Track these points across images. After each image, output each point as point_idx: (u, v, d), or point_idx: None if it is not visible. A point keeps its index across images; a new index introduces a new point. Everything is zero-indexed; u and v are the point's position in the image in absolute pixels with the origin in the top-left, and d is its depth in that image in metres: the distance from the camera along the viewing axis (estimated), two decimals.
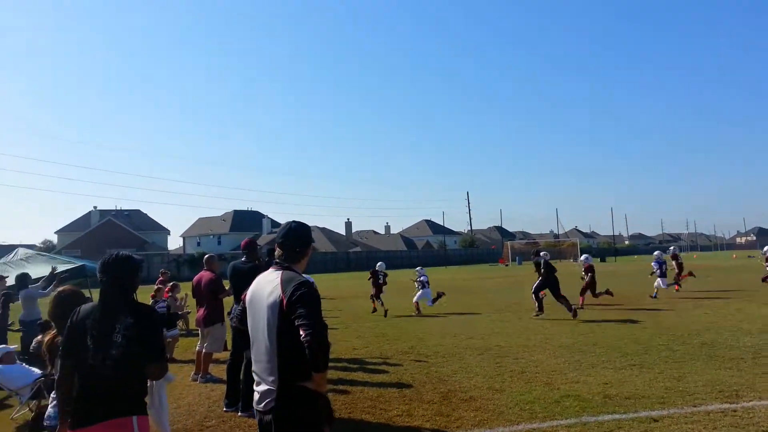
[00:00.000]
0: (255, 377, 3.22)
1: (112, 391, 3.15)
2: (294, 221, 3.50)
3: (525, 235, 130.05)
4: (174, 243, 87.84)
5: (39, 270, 11.63)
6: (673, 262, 20.19)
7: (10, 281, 10.97)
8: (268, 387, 3.09)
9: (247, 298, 3.37)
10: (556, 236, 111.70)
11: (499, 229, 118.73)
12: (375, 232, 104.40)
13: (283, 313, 3.04)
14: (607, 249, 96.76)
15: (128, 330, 3.18)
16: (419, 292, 16.58)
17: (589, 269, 16.75)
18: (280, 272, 3.21)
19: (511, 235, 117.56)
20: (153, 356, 3.26)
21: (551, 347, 9.89)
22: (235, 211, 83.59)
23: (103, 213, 72.03)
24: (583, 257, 18.07)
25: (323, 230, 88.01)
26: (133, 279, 3.43)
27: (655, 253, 19.91)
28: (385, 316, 15.67)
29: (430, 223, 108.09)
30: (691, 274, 20.56)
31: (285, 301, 3.04)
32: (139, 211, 78.54)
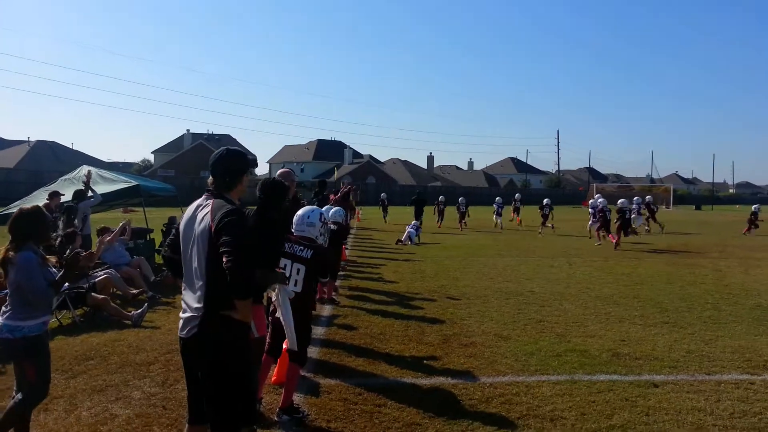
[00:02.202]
0: (183, 304, 3.21)
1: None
2: (227, 148, 3.38)
3: (618, 177, 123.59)
4: (261, 169, 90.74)
5: (100, 187, 12.21)
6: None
7: (67, 198, 11.58)
8: (193, 314, 3.09)
9: (180, 226, 3.30)
10: (653, 180, 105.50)
11: (590, 171, 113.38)
12: (457, 168, 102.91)
13: (212, 241, 3.00)
14: (707, 197, 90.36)
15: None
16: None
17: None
18: (212, 200, 3.15)
19: (603, 177, 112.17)
20: (264, 263, 3.87)
21: (586, 297, 9.34)
22: (319, 140, 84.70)
23: (195, 136, 75.23)
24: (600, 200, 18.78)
25: (405, 163, 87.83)
26: (281, 201, 4.50)
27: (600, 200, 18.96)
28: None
29: (516, 161, 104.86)
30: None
31: (213, 229, 2.99)
32: (229, 136, 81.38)
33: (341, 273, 11.04)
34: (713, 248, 17.54)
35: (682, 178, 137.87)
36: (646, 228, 23.24)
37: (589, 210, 19.62)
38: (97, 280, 8.18)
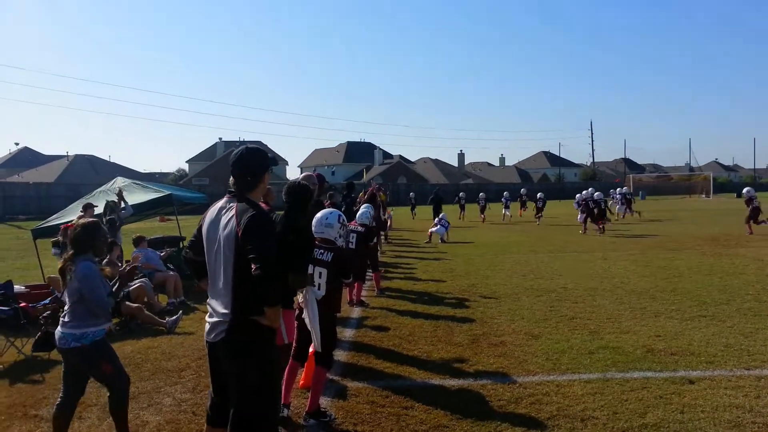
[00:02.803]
0: (209, 308, 3.21)
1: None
2: (247, 147, 3.30)
3: (656, 167, 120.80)
4: (292, 173, 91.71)
5: (134, 198, 12.49)
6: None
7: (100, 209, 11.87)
8: (220, 319, 3.08)
9: (204, 228, 3.28)
10: (692, 169, 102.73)
11: (627, 161, 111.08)
12: (489, 164, 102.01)
13: (239, 246, 2.98)
14: (749, 184, 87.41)
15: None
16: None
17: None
18: (235, 203, 3.11)
19: (639, 168, 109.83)
20: (294, 267, 3.93)
21: (621, 292, 9.13)
22: (349, 143, 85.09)
23: (228, 144, 76.39)
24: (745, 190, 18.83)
25: (435, 162, 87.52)
26: (306, 203, 4.51)
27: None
28: None
29: (548, 155, 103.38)
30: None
31: (240, 234, 2.96)
32: (260, 142, 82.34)
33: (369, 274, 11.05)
34: (755, 237, 16.94)
35: (723, 166, 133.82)
36: (622, 216, 26.55)
37: (575, 204, 22.08)
38: (131, 289, 8.35)
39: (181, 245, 12.79)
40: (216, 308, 3.12)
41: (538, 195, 27.13)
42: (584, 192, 20.92)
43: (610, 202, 25.97)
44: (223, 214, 3.13)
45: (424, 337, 6.81)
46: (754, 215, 17.64)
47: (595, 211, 20.20)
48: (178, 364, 6.06)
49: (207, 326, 3.18)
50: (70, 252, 4.12)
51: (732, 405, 4.48)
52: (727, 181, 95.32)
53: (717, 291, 8.95)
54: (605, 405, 4.57)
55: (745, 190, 18.92)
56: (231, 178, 3.23)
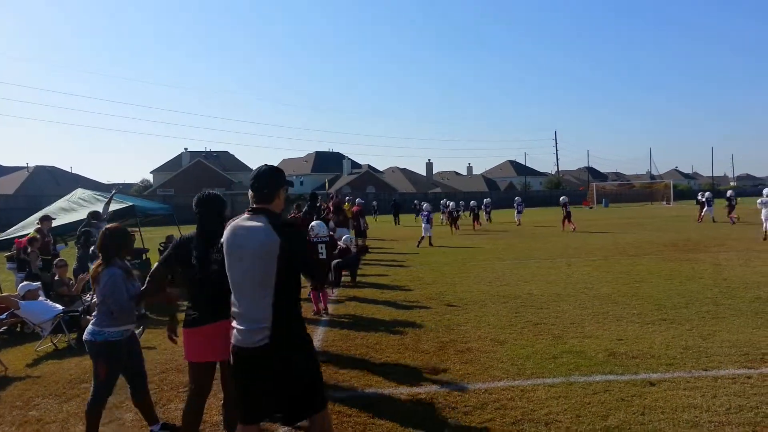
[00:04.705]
0: (237, 318, 3.24)
1: (217, 299, 3.74)
2: (267, 165, 3.47)
3: (618, 176, 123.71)
4: None
5: (95, 209, 12.22)
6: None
7: (65, 220, 11.61)
8: (262, 325, 3.14)
9: (226, 245, 3.30)
10: (653, 177, 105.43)
11: (590, 170, 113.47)
12: (457, 173, 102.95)
13: (283, 255, 3.12)
14: (708, 191, 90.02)
15: (220, 251, 3.54)
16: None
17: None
18: (263, 217, 3.22)
19: (603, 176, 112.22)
20: None
21: (584, 297, 9.29)
22: (317, 153, 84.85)
23: (194, 154, 75.33)
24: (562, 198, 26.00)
25: (404, 171, 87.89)
26: (224, 212, 4.20)
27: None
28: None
29: (515, 164, 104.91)
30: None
31: (284, 247, 3.11)
32: (227, 152, 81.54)
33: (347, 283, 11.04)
34: (713, 242, 17.48)
35: (682, 173, 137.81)
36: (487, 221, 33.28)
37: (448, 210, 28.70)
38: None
39: (144, 257, 12.57)
40: (251, 315, 3.16)
41: (468, 205, 33.67)
42: (450, 202, 29.64)
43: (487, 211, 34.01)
44: (251, 228, 3.20)
45: (392, 345, 6.81)
46: (568, 217, 24.46)
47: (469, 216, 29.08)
48: None
49: (239, 334, 3.18)
50: (101, 260, 4.34)
51: (690, 405, 4.59)
52: (687, 188, 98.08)
53: (677, 295, 9.18)
54: (569, 408, 4.64)
55: (561, 198, 26.06)
56: (250, 192, 3.34)
